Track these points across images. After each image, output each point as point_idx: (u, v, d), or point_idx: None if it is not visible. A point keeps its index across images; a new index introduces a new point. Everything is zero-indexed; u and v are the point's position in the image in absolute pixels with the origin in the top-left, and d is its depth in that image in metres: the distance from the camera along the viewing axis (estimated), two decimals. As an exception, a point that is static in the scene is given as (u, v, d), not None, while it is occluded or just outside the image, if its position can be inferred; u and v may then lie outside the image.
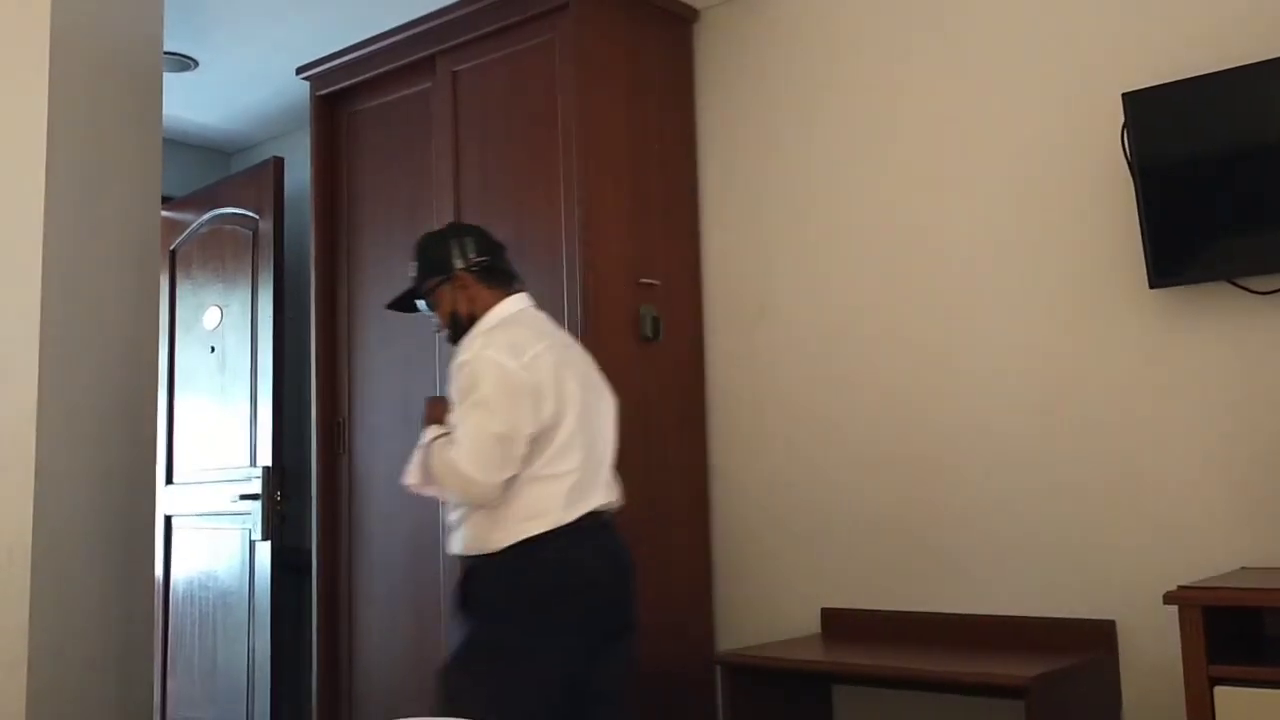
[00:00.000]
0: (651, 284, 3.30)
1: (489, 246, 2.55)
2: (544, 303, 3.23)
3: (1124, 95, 2.62)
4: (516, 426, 2.28)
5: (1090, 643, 2.67)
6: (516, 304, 2.53)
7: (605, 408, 2.54)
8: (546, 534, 2.30)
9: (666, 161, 3.44)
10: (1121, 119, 2.64)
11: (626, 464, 3.13)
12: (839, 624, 3.12)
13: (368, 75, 3.74)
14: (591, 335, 3.10)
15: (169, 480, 4.59)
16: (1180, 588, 2.21)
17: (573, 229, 3.16)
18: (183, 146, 4.89)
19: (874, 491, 3.10)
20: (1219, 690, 2.08)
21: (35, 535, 2.45)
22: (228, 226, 4.53)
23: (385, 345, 3.60)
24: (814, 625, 3.16)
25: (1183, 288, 2.62)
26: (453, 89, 3.52)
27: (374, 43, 3.68)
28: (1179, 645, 2.15)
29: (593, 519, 2.37)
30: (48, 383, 2.52)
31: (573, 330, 3.16)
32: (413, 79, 3.65)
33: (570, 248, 3.16)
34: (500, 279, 2.54)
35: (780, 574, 3.26)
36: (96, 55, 2.75)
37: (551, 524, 2.30)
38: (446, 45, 3.52)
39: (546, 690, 2.28)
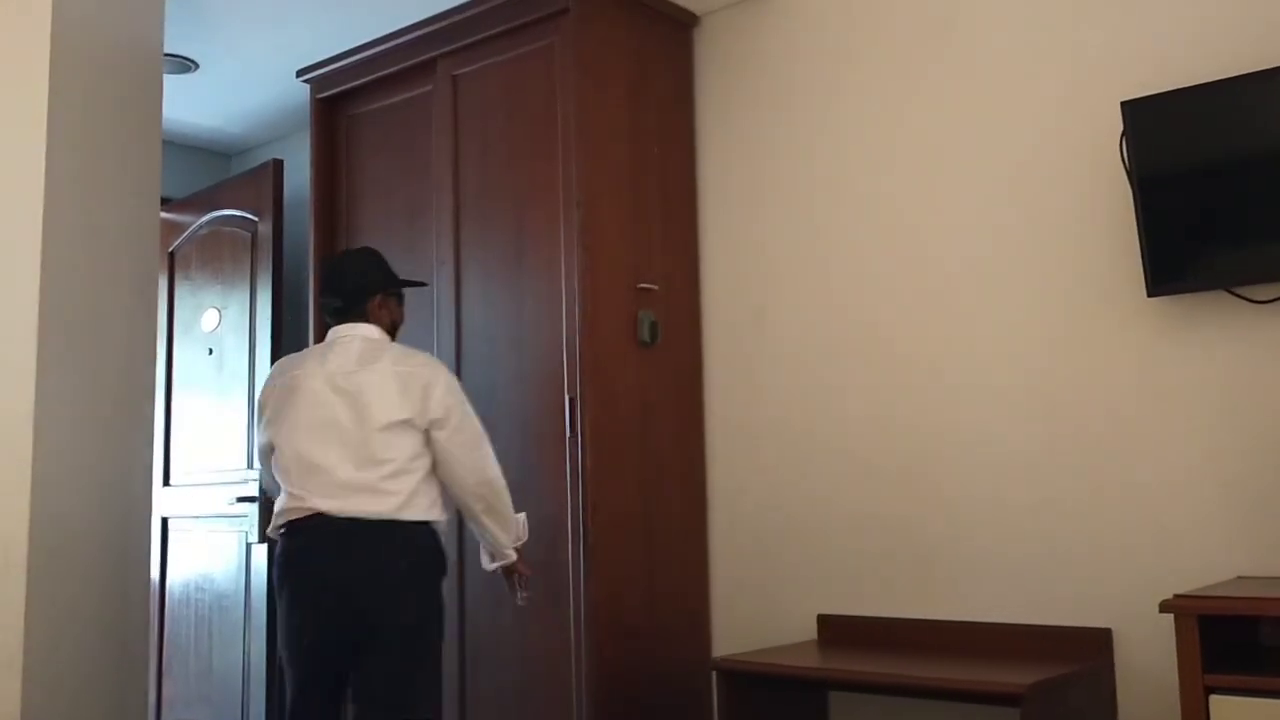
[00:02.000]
0: (650, 289, 3.30)
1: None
2: (542, 306, 3.26)
3: (1123, 104, 2.63)
4: None
5: (1086, 651, 2.67)
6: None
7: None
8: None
9: (666, 166, 3.44)
10: (1120, 127, 2.65)
11: (625, 467, 3.14)
12: (835, 630, 3.12)
13: (368, 78, 3.75)
14: (589, 339, 3.10)
15: (166, 482, 4.59)
16: (1176, 596, 2.21)
17: (571, 233, 3.17)
18: (182, 148, 4.89)
19: (871, 498, 3.10)
20: (1214, 699, 2.08)
21: (32, 536, 2.45)
22: (227, 228, 4.53)
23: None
24: (810, 631, 3.16)
25: (1181, 296, 2.62)
26: (453, 92, 3.53)
27: (374, 46, 3.69)
28: (1175, 654, 2.16)
29: None
30: (45, 383, 2.51)
31: (570, 334, 3.17)
32: (413, 82, 3.65)
33: (569, 252, 3.16)
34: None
35: (777, 580, 3.26)
36: (97, 56, 2.75)
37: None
38: (447, 49, 3.52)
39: None
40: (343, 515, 2.59)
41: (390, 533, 2.63)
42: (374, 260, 2.88)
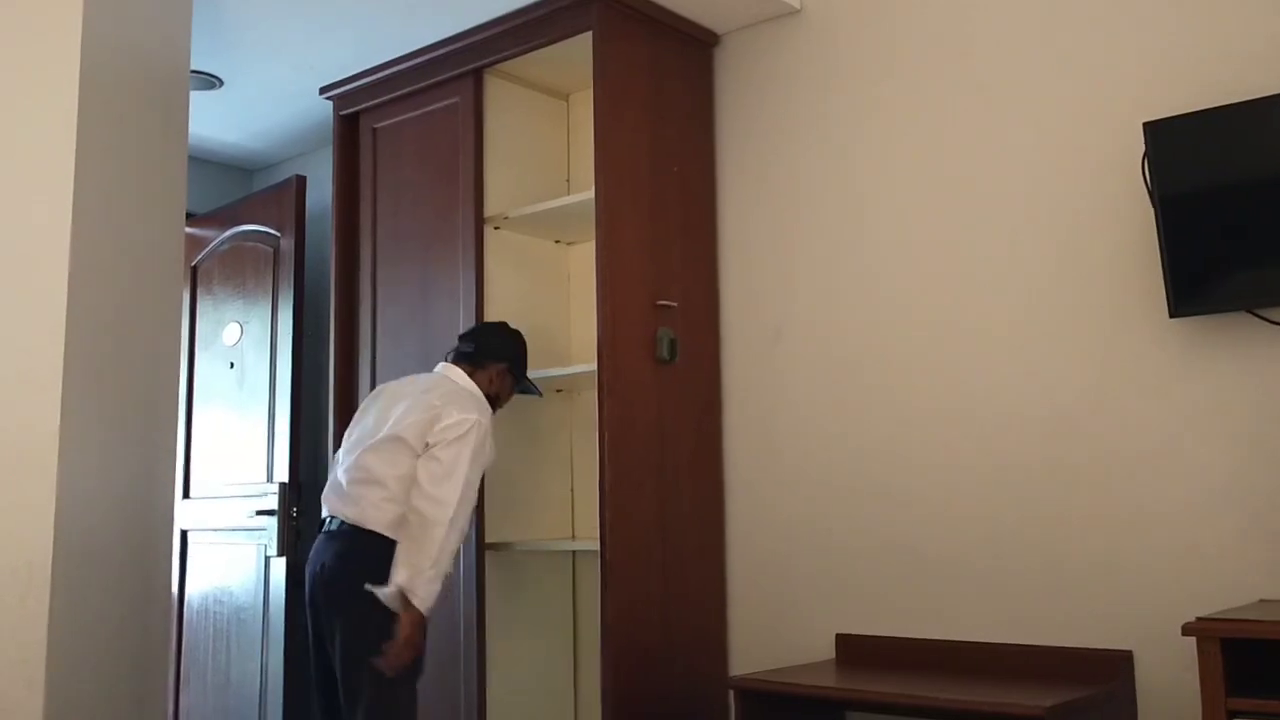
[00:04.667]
0: (669, 306, 3.31)
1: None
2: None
3: (1145, 125, 2.63)
4: None
5: (1106, 673, 2.66)
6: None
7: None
8: None
9: (686, 184, 3.45)
10: (1142, 148, 2.65)
11: (643, 484, 3.15)
12: (853, 650, 3.10)
13: (391, 95, 3.78)
14: (608, 356, 3.11)
15: (186, 495, 4.61)
16: (1199, 619, 2.19)
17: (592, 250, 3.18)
18: (204, 164, 4.94)
19: (891, 516, 3.09)
20: (1237, 723, 2.07)
21: (56, 548, 2.45)
22: (249, 243, 4.57)
23: (404, 362, 3.62)
24: (828, 651, 3.15)
25: (1203, 317, 2.61)
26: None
27: (398, 63, 3.71)
28: (1196, 677, 2.14)
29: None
30: (71, 395, 2.53)
31: (590, 350, 3.18)
32: (436, 98, 3.67)
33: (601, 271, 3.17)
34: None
35: (795, 599, 3.25)
36: (125, 73, 2.78)
37: None
38: (469, 67, 3.55)
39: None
40: (327, 517, 2.87)
41: (349, 539, 2.78)
42: (520, 342, 3.15)
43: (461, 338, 3.12)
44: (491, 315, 3.43)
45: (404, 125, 3.79)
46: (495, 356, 3.05)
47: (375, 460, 2.78)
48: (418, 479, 2.70)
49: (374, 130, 3.88)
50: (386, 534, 2.71)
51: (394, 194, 3.79)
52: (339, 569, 2.76)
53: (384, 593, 2.63)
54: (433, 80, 3.64)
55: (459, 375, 3.00)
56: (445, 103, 3.64)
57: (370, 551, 2.71)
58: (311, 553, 2.88)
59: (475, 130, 3.55)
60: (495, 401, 3.03)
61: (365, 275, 3.84)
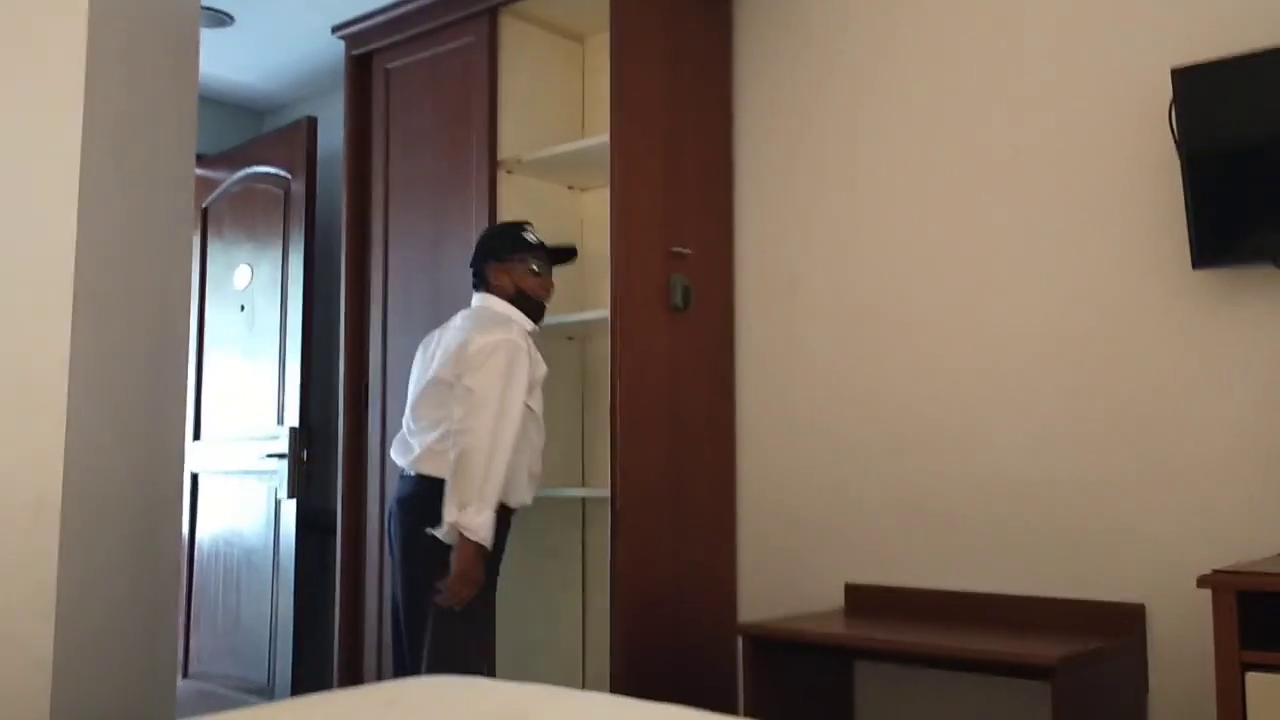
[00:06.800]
0: (683, 253, 3.27)
1: None
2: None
3: (1173, 71, 2.57)
4: None
5: (1118, 626, 2.65)
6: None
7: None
8: None
9: (702, 131, 3.40)
10: (1169, 95, 2.59)
11: (654, 432, 3.13)
12: (862, 600, 3.10)
13: (404, 35, 3.72)
14: (621, 302, 3.08)
15: (197, 436, 4.62)
16: (1215, 571, 2.18)
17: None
18: (214, 104, 4.89)
19: (902, 468, 3.07)
20: (1251, 676, 2.05)
21: (65, 486, 2.46)
22: (260, 186, 4.53)
23: (416, 307, 3.60)
24: (837, 600, 3.15)
25: (1226, 269, 2.57)
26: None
27: (411, 1, 3.65)
28: (1209, 630, 2.13)
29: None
30: (80, 334, 2.52)
31: (602, 297, 3.16)
32: (449, 38, 3.62)
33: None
34: None
35: (804, 548, 3.24)
36: (135, 9, 2.73)
37: None
38: (484, 6, 3.49)
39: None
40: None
41: (406, 484, 2.86)
42: (491, 232, 3.11)
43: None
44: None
45: (416, 66, 3.73)
46: (483, 260, 2.99)
47: (423, 405, 2.86)
48: (453, 413, 2.70)
49: (386, 71, 3.83)
50: (436, 475, 2.75)
51: (406, 136, 3.75)
52: (396, 514, 2.86)
53: (439, 532, 2.67)
54: (447, 19, 3.59)
55: (479, 299, 3.00)
56: (459, 42, 3.58)
57: (420, 494, 2.78)
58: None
59: (489, 71, 3.49)
60: (529, 301, 2.97)
61: (377, 218, 3.80)
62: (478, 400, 2.68)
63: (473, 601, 2.71)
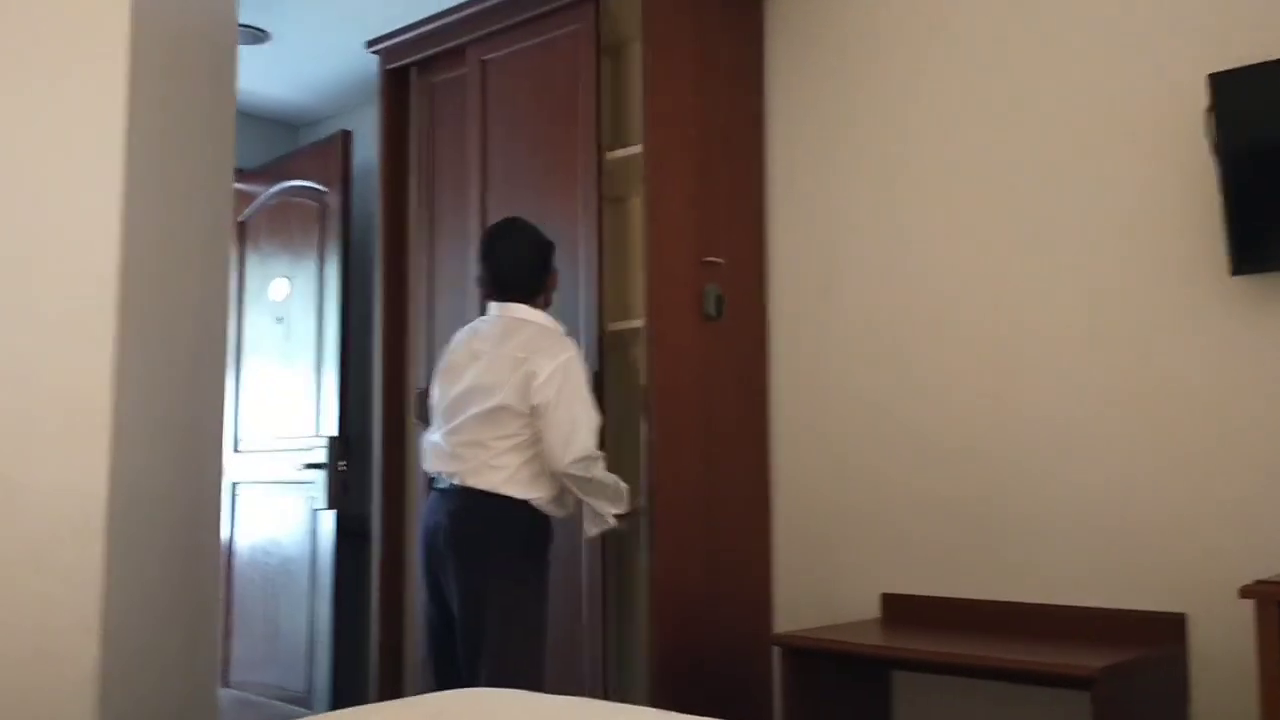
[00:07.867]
0: (716, 262, 3.28)
1: None
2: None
3: (1210, 76, 2.55)
4: None
5: (1160, 636, 2.62)
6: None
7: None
8: None
9: (733, 139, 3.41)
10: (1207, 100, 2.57)
11: (688, 441, 3.13)
12: (900, 610, 3.09)
13: (438, 49, 3.75)
14: (654, 312, 3.09)
15: (235, 448, 4.67)
16: (1258, 582, 2.16)
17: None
18: (250, 118, 4.94)
19: (938, 477, 3.06)
20: (1295, 688, 2.04)
21: (110, 501, 2.50)
22: (295, 199, 4.58)
23: (454, 317, 3.62)
24: (874, 610, 3.14)
25: (1265, 275, 2.55)
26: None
27: (444, 16, 3.68)
28: (1252, 641, 2.11)
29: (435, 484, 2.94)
30: (125, 347, 2.56)
31: (636, 307, 3.16)
32: (482, 52, 3.64)
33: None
34: None
35: (841, 557, 3.24)
36: (175, 25, 2.78)
37: None
38: (517, 19, 3.51)
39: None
40: (435, 474, 2.94)
41: (460, 498, 2.83)
42: (540, 238, 2.97)
43: (487, 262, 2.95)
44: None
45: (452, 79, 3.75)
46: (546, 270, 2.97)
47: (479, 427, 2.80)
48: (550, 449, 2.73)
49: (422, 83, 3.86)
50: (494, 491, 2.77)
51: (442, 148, 3.77)
52: (465, 530, 2.80)
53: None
54: (481, 33, 3.60)
55: (525, 312, 2.91)
56: (492, 56, 3.61)
57: (482, 511, 2.79)
58: (426, 509, 2.96)
59: (594, 67, 3.33)
60: (551, 299, 3.02)
61: (416, 230, 3.82)
62: (570, 429, 2.74)
63: (539, 613, 2.79)
